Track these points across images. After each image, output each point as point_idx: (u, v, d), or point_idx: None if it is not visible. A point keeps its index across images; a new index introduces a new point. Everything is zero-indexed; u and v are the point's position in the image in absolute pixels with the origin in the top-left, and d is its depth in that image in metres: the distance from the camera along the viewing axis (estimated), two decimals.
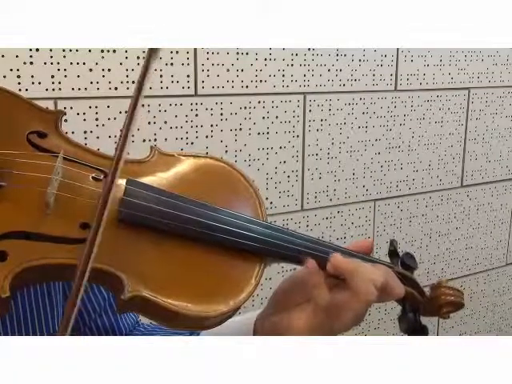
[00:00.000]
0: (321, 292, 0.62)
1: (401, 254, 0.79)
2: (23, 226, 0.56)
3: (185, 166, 0.69)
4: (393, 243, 0.80)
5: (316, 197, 1.63)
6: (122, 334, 0.80)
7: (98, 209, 0.48)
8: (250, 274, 0.63)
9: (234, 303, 0.61)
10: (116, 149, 0.49)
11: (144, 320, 0.84)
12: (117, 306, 0.58)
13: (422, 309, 0.78)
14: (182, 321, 0.60)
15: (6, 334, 0.65)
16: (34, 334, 0.68)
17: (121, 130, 0.49)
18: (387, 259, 0.79)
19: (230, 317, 0.62)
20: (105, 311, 0.79)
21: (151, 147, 0.69)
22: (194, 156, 0.71)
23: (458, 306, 0.79)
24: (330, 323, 0.63)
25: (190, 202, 0.63)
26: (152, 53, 0.47)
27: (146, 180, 0.64)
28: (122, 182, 0.61)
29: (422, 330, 0.76)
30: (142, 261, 0.59)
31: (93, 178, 0.62)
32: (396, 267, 0.76)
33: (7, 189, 0.57)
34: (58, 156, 0.61)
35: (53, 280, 0.69)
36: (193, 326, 0.63)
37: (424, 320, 0.78)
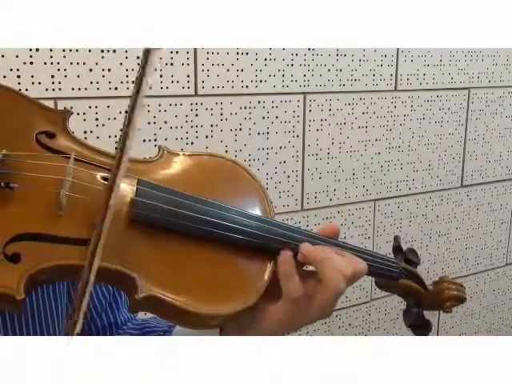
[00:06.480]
0: (293, 283, 0.62)
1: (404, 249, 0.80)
2: (36, 228, 0.56)
3: (194, 164, 0.69)
4: (397, 239, 0.82)
5: (316, 197, 1.63)
6: (118, 329, 0.80)
7: (101, 211, 0.49)
8: (261, 273, 0.63)
9: (244, 302, 0.61)
10: (117, 151, 0.49)
11: (143, 316, 0.84)
12: (130, 306, 0.58)
13: (425, 303, 0.78)
14: (193, 319, 0.60)
15: (12, 334, 0.65)
16: (41, 334, 0.68)
17: (121, 130, 0.49)
18: (391, 255, 0.80)
19: (240, 315, 0.61)
20: (105, 311, 0.79)
21: (159, 147, 0.69)
22: (201, 154, 0.71)
23: (460, 300, 0.80)
24: (300, 314, 0.63)
25: (202, 201, 0.63)
26: (148, 55, 0.47)
27: (157, 180, 0.64)
28: (132, 183, 0.61)
29: (426, 325, 0.77)
30: (155, 261, 0.59)
31: (102, 178, 0.61)
32: (400, 263, 0.77)
33: (19, 190, 0.56)
34: (67, 156, 0.61)
35: (64, 280, 0.70)
36: (203, 324, 0.63)
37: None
